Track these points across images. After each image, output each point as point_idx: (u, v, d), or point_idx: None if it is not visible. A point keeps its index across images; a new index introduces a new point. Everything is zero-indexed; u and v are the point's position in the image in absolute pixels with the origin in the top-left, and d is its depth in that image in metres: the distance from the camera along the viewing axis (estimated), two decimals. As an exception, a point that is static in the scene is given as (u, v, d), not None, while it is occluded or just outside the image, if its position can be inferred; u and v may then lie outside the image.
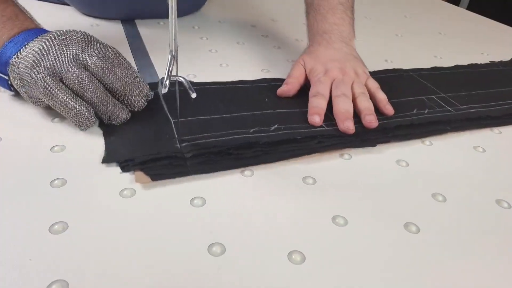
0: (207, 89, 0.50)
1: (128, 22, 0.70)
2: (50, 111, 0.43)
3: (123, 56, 0.43)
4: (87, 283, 0.27)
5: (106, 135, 0.40)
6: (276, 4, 0.87)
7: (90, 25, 0.67)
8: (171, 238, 0.31)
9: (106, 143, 0.40)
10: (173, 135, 0.40)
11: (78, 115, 0.39)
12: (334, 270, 0.30)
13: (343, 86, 0.48)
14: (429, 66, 0.65)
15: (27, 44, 0.41)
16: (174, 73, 0.36)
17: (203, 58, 0.60)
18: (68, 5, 0.72)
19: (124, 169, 0.37)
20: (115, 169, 0.37)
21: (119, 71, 0.41)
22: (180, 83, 0.37)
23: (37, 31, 0.43)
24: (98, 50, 0.41)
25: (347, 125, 0.44)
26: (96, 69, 0.40)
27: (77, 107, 0.39)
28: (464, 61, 0.68)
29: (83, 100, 0.40)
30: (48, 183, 0.35)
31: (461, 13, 0.96)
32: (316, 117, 0.45)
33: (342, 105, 0.46)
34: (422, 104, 0.52)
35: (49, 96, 0.39)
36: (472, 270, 0.32)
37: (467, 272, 0.31)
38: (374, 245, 0.33)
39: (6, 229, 0.31)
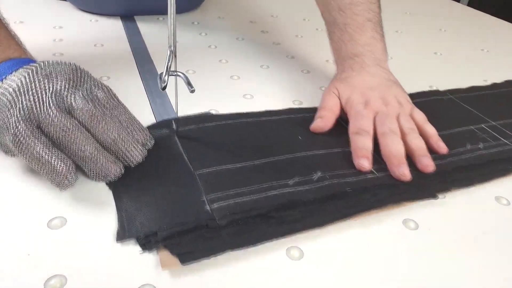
0: (229, 125, 0.43)
1: (128, 17, 0.69)
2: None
3: (117, 98, 0.37)
4: (85, 278, 0.27)
5: (117, 199, 0.33)
6: (275, 0, 0.86)
7: (89, 20, 0.67)
8: (169, 234, 0.31)
9: (118, 211, 0.32)
10: (199, 193, 0.34)
11: (53, 172, 0.31)
12: (332, 267, 0.30)
13: (389, 121, 0.42)
14: (429, 62, 0.65)
15: (6, 77, 0.34)
16: (173, 68, 0.36)
17: (202, 54, 0.60)
18: (66, 0, 0.71)
19: (145, 246, 0.29)
20: (114, 165, 0.37)
21: (111, 120, 0.35)
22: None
23: (19, 61, 0.36)
24: (87, 90, 0.35)
25: (403, 172, 0.38)
26: (83, 116, 0.33)
27: (53, 162, 0.31)
28: (464, 58, 0.68)
29: (66, 153, 0.33)
30: (46, 178, 0.35)
31: (462, 9, 0.95)
32: (364, 162, 0.38)
33: (393, 146, 0.40)
34: (474, 136, 0.46)
35: (19, 145, 0.31)
36: (471, 266, 0.31)
37: (466, 269, 0.31)
38: (372, 241, 0.33)
39: (5, 224, 0.31)
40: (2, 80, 0.34)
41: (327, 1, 0.51)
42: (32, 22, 0.65)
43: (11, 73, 0.35)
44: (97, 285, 0.27)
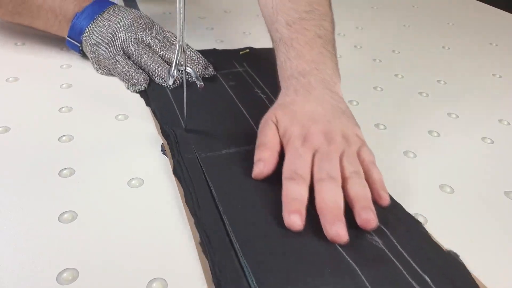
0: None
1: (130, 2, 0.69)
2: (58, 100, 0.44)
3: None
4: (96, 271, 0.28)
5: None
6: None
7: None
8: (178, 228, 0.31)
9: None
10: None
11: (131, 81, 0.48)
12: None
13: (328, 163, 0.34)
14: (437, 56, 0.64)
15: (97, 17, 0.50)
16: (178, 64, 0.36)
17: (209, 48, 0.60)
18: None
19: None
20: (123, 159, 0.37)
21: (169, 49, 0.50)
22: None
23: (104, 4, 0.51)
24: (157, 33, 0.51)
25: (336, 231, 0.30)
26: (156, 49, 0.50)
27: (132, 74, 0.48)
28: (473, 52, 0.67)
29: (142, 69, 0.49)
30: (56, 173, 0.35)
31: (470, 3, 0.94)
32: (296, 218, 0.31)
33: (329, 197, 0.32)
34: None
35: (115, 67, 0.49)
36: (479, 261, 0.31)
37: (474, 264, 0.31)
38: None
39: (17, 218, 0.31)
40: (96, 19, 0.50)
41: (274, 16, 0.46)
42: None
43: (101, 14, 0.51)
44: (108, 279, 0.27)
